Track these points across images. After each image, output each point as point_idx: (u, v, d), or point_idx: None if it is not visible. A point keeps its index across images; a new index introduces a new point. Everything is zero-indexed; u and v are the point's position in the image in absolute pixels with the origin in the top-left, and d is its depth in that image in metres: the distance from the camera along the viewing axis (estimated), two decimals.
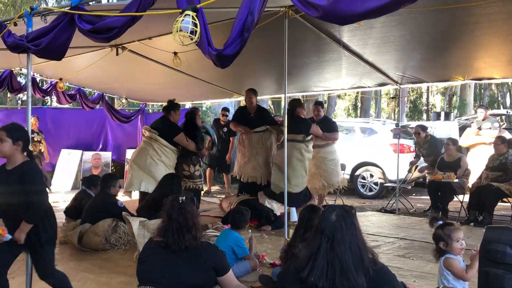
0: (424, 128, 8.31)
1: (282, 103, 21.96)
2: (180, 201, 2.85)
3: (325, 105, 20.79)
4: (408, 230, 6.44)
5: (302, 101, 7.63)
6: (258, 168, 7.13)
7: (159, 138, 6.41)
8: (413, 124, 13.00)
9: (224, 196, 8.92)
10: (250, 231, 4.67)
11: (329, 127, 7.43)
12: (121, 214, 5.30)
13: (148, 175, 6.33)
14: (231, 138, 9.70)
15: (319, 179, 7.28)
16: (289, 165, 6.29)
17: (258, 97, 7.59)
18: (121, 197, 8.89)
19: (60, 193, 9.93)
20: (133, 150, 7.51)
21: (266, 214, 6.50)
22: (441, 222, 3.25)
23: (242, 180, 7.31)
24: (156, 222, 4.20)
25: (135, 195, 7.02)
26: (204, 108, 13.53)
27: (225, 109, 9.97)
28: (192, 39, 2.96)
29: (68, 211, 6.27)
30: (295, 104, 7.03)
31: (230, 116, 9.61)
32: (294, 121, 6.54)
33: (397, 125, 8.64)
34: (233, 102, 13.71)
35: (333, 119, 8.24)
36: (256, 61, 6.96)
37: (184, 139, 6.52)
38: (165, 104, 6.97)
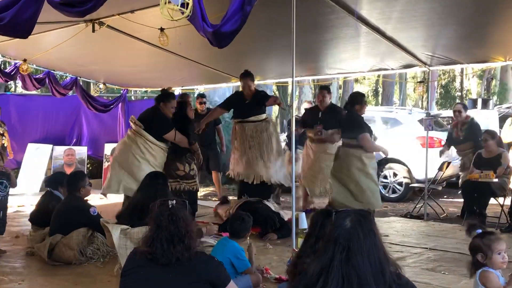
0: (466, 107, 8.27)
1: (289, 88, 22.02)
2: (170, 206, 2.84)
3: (340, 91, 20.88)
4: (438, 239, 6.45)
5: (314, 87, 7.61)
6: (252, 164, 7.14)
7: (145, 132, 6.43)
8: (445, 113, 12.99)
9: (219, 200, 8.87)
10: (248, 239, 4.67)
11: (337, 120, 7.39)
12: (95, 225, 5.32)
13: (128, 176, 6.36)
14: (217, 128, 9.64)
15: (324, 180, 7.27)
16: (350, 178, 6.33)
17: (261, 82, 7.61)
18: (98, 200, 8.95)
19: (27, 195, 9.95)
20: (113, 145, 7.53)
21: (271, 220, 6.51)
22: (480, 230, 3.25)
23: (234, 179, 7.37)
24: (141, 230, 4.23)
25: (115, 197, 7.03)
26: (196, 95, 13.50)
27: (202, 96, 9.74)
28: (183, 13, 2.96)
29: (33, 218, 6.25)
30: (355, 98, 6.94)
31: (214, 103, 9.60)
32: (350, 121, 6.53)
33: (428, 114, 8.61)
34: (231, 87, 13.69)
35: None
36: (258, 39, 6.94)
37: (175, 136, 6.55)
38: (150, 90, 6.99)
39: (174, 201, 2.89)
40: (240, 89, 7.74)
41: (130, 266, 2.84)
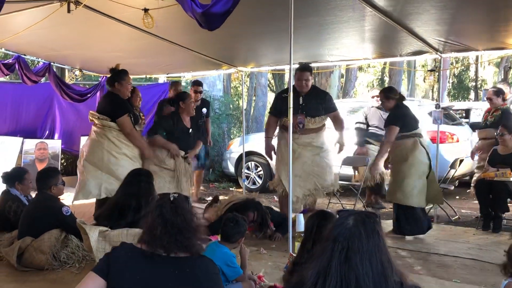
0: (500, 92, 8.24)
1: (286, 76, 21.94)
2: (172, 199, 2.88)
3: (343, 80, 20.91)
4: (450, 243, 6.49)
5: (313, 74, 7.57)
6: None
7: (113, 124, 6.40)
8: (458, 104, 13.03)
9: (206, 203, 8.77)
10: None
11: (327, 106, 7.32)
12: (68, 226, 5.31)
13: (109, 175, 6.33)
14: (205, 120, 9.69)
15: (309, 180, 7.10)
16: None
17: (256, 69, 7.60)
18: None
19: None
20: None
21: (264, 217, 6.61)
22: None
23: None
24: (121, 233, 4.23)
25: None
26: (183, 83, 13.51)
27: (197, 83, 9.64)
28: None
29: None
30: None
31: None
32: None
33: (437, 106, 8.61)
34: (221, 75, 13.69)
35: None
36: (252, 21, 6.93)
37: (129, 124, 6.52)
38: (132, 77, 6.98)
39: (176, 194, 2.93)
40: (232, 77, 7.74)
41: (121, 264, 2.82)
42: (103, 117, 6.48)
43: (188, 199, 3.05)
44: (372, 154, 8.53)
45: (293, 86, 6.60)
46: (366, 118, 9.25)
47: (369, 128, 9.19)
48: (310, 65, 7.45)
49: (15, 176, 6.24)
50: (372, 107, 9.27)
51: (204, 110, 9.56)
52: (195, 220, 2.91)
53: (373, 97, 9.30)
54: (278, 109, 7.12)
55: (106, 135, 6.43)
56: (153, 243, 2.78)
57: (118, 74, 6.70)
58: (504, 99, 8.20)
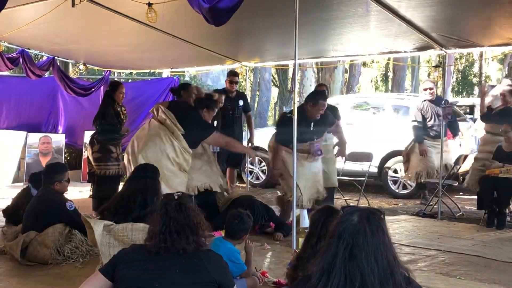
0: None
1: (290, 72, 21.94)
2: (176, 197, 2.94)
3: (346, 75, 20.86)
4: (453, 240, 6.47)
5: (317, 70, 7.56)
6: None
7: (181, 137, 6.20)
8: (462, 100, 12.99)
9: None
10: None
11: (332, 122, 7.36)
12: (72, 221, 5.31)
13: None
14: (247, 115, 9.25)
15: (315, 186, 6.95)
16: None
17: (260, 64, 7.56)
18: (78, 193, 8.93)
19: None
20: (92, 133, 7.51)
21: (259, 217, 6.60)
22: None
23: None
24: (126, 227, 4.21)
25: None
26: (187, 78, 13.50)
27: (234, 74, 9.08)
28: None
29: (8, 213, 6.24)
30: None
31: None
32: None
33: (445, 102, 8.57)
34: (225, 70, 13.66)
35: None
36: (257, 16, 6.90)
37: (221, 137, 6.57)
38: (136, 72, 6.94)
39: (180, 193, 3.00)
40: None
41: (128, 260, 2.85)
42: (180, 128, 6.22)
43: (192, 197, 3.08)
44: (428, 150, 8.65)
45: (305, 114, 6.55)
46: (421, 113, 8.98)
47: (427, 123, 8.96)
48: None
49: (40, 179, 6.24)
50: (424, 100, 9.03)
51: (241, 102, 8.97)
52: (198, 218, 2.94)
53: (425, 89, 9.06)
54: (287, 138, 6.34)
55: (170, 140, 6.29)
56: (159, 239, 2.82)
57: (210, 103, 6.59)
58: None
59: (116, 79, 12.99)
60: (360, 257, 2.07)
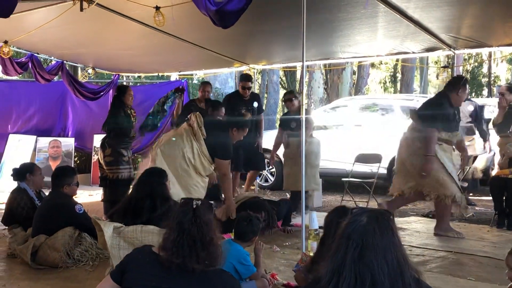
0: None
1: (298, 74, 21.74)
2: (195, 206, 2.86)
3: (355, 77, 20.83)
4: (464, 241, 6.44)
5: (325, 72, 7.57)
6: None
7: (202, 140, 6.19)
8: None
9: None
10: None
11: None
12: (81, 224, 5.33)
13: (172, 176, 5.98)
14: (260, 116, 9.00)
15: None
16: None
17: (268, 67, 7.57)
18: (87, 197, 8.94)
19: (8, 193, 9.90)
20: (102, 136, 7.55)
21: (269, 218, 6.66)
22: None
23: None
24: (135, 229, 4.22)
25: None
26: (195, 81, 13.52)
27: (246, 79, 8.74)
28: None
29: (5, 218, 6.17)
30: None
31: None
32: None
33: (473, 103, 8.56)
34: (233, 72, 13.67)
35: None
36: (264, 18, 6.91)
37: (228, 167, 6.48)
38: (144, 75, 6.98)
39: (200, 202, 2.91)
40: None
41: (136, 266, 2.84)
42: (204, 132, 6.26)
43: (211, 206, 3.03)
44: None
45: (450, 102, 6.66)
46: None
47: None
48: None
49: (26, 168, 6.23)
50: None
51: (255, 104, 8.76)
52: (211, 233, 2.85)
53: None
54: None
55: (191, 139, 6.32)
56: (170, 250, 2.77)
57: (241, 125, 6.62)
58: None
59: (124, 82, 13.06)
60: (370, 257, 2.07)
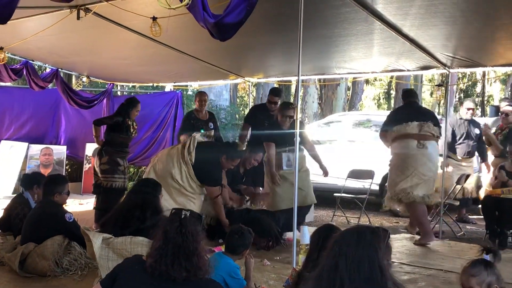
0: None
1: (293, 88, 21.81)
2: (183, 216, 2.88)
3: (349, 92, 20.90)
4: (454, 260, 6.43)
5: (319, 87, 7.60)
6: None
7: (189, 164, 6.38)
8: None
9: None
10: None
11: None
12: (70, 233, 5.30)
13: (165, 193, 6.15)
14: None
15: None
16: None
17: (263, 80, 7.59)
18: (78, 205, 8.90)
19: None
20: (95, 145, 7.54)
21: (274, 234, 6.70)
22: (487, 257, 3.23)
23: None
24: (125, 241, 4.21)
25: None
26: (190, 92, 13.50)
27: (274, 93, 8.42)
28: (181, 0, 2.95)
29: (2, 224, 6.17)
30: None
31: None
32: None
33: (485, 125, 8.62)
34: (228, 84, 13.66)
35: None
36: (261, 32, 6.93)
37: (218, 192, 6.56)
38: (139, 85, 7.01)
39: (188, 213, 2.94)
40: (239, 87, 7.67)
41: (126, 273, 2.83)
42: (191, 154, 6.44)
43: (201, 218, 3.05)
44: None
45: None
46: (453, 129, 8.89)
47: (456, 139, 8.91)
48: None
49: (35, 179, 6.24)
50: (460, 118, 9.03)
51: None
52: (196, 244, 2.86)
53: (469, 109, 9.02)
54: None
55: (180, 162, 6.43)
56: (154, 258, 2.79)
57: (233, 150, 6.80)
58: None
59: (119, 92, 13.06)
60: (342, 265, 2.14)
